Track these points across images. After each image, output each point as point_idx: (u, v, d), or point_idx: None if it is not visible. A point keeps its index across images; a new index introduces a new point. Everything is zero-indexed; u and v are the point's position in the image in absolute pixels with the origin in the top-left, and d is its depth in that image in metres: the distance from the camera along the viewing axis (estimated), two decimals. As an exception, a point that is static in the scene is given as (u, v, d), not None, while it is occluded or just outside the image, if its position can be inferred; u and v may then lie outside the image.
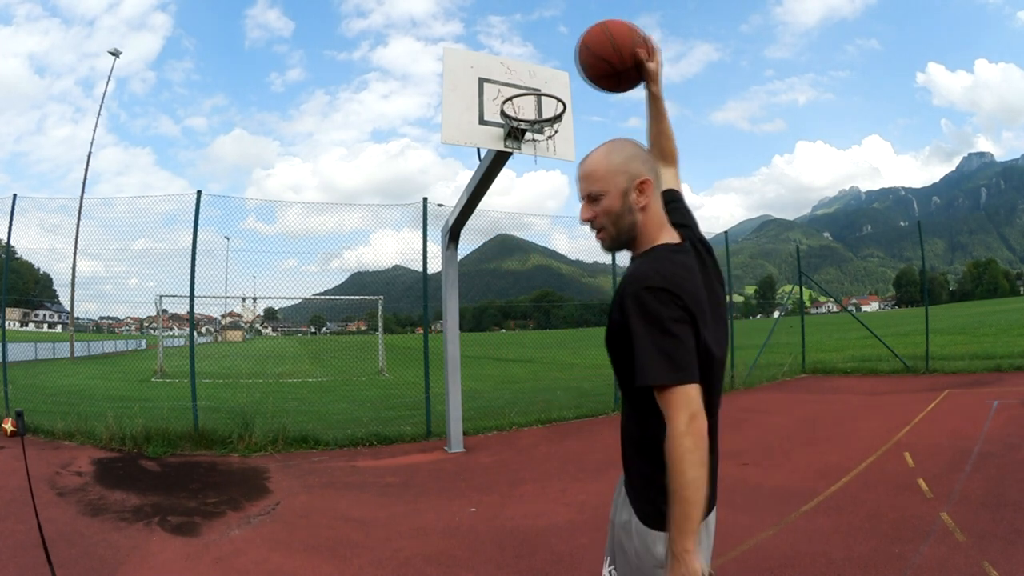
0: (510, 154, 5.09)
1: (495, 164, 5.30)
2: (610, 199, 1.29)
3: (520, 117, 4.93)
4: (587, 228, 1.36)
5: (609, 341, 1.30)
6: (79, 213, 13.79)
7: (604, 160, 1.31)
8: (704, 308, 1.21)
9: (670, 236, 1.32)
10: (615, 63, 1.55)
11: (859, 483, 4.28)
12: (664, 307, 1.15)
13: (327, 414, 7.99)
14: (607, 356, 1.32)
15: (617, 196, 1.29)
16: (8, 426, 6.19)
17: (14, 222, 7.43)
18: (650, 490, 1.22)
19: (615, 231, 1.31)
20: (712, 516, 1.30)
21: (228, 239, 13.14)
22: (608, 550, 1.39)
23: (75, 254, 16.02)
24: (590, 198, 1.31)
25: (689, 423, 1.11)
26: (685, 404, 1.12)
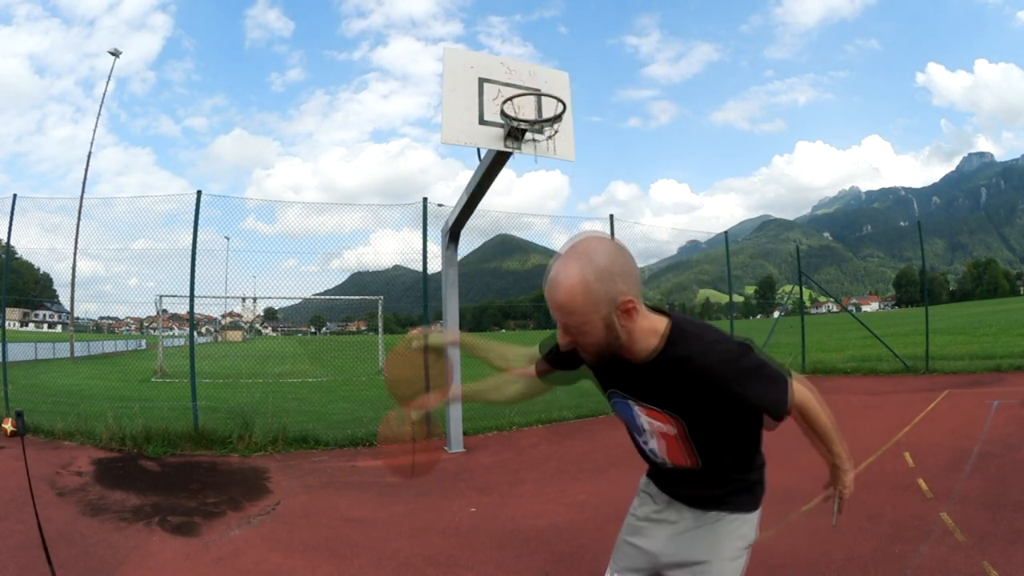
0: (510, 154, 5.09)
1: (495, 164, 5.30)
2: (592, 333, 1.19)
3: (520, 117, 4.93)
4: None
5: (720, 412, 1.29)
6: (79, 213, 13.79)
7: (581, 290, 1.15)
8: None
9: (656, 320, 1.28)
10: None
11: (859, 483, 4.23)
12: (749, 353, 1.24)
13: (327, 414, 7.99)
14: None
15: (599, 328, 1.18)
16: (8, 426, 6.19)
17: (14, 222, 7.45)
18: (753, 487, 1.45)
19: (599, 354, 1.26)
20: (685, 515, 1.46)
21: (228, 239, 13.16)
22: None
23: (75, 254, 16.04)
24: (567, 328, 1.22)
25: (801, 395, 1.30)
26: (797, 391, 1.28)
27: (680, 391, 1.25)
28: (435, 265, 6.90)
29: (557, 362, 1.49)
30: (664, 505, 1.51)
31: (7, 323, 7.99)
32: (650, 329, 1.25)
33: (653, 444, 1.42)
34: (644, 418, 1.37)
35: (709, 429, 1.31)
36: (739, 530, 1.42)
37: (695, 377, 1.21)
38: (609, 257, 1.17)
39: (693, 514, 1.45)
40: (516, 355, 1.64)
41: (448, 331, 1.64)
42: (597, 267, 1.15)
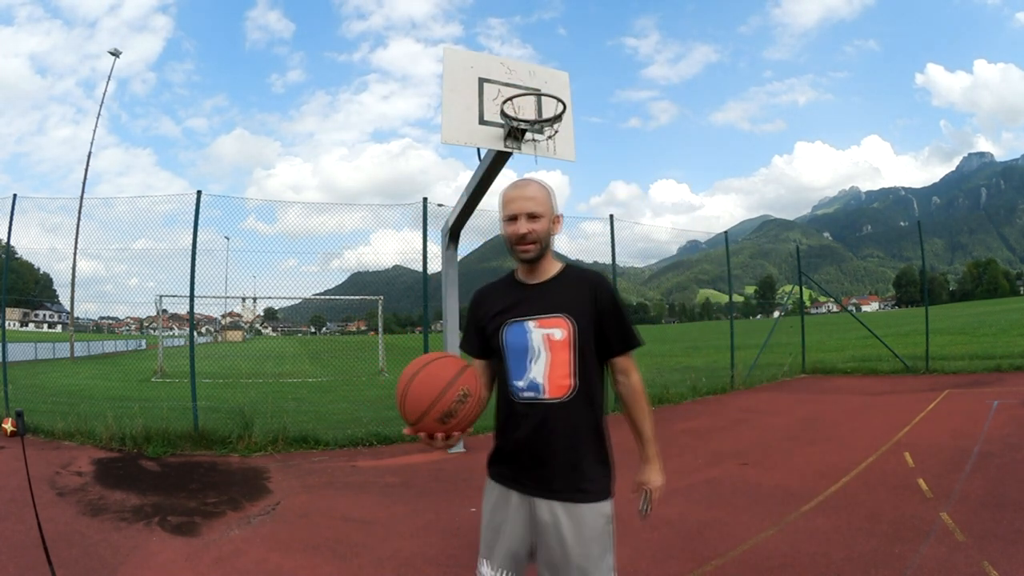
0: (510, 154, 5.08)
1: (495, 164, 5.29)
2: (545, 222, 1.68)
3: (520, 117, 4.93)
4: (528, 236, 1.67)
5: (596, 321, 1.65)
6: (79, 213, 13.80)
7: (544, 191, 1.71)
8: None
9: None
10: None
11: (859, 483, 4.28)
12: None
13: (327, 414, 7.98)
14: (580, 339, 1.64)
15: (547, 221, 1.69)
16: (8, 426, 6.19)
17: (14, 222, 7.45)
18: (601, 467, 1.66)
19: (541, 248, 1.68)
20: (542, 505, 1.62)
21: (228, 239, 13.15)
22: (503, 555, 1.65)
23: (75, 254, 16.03)
24: (531, 216, 1.66)
25: (640, 375, 1.74)
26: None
27: (574, 294, 1.66)
28: (435, 265, 6.89)
29: (484, 349, 1.75)
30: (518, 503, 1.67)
31: (7, 323, 7.98)
32: (555, 260, 1.74)
33: (535, 371, 1.62)
34: (536, 332, 1.63)
35: (587, 334, 1.63)
36: (601, 513, 1.61)
37: (588, 284, 1.68)
38: (552, 189, 1.74)
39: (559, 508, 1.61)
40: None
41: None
42: (548, 188, 1.72)
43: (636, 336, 1.70)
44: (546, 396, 1.61)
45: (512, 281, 1.77)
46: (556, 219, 1.73)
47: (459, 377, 1.53)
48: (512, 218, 1.66)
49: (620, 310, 1.69)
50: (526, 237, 1.64)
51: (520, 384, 1.64)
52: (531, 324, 1.64)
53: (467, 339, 1.82)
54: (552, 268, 1.72)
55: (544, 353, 1.62)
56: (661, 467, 1.71)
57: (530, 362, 1.63)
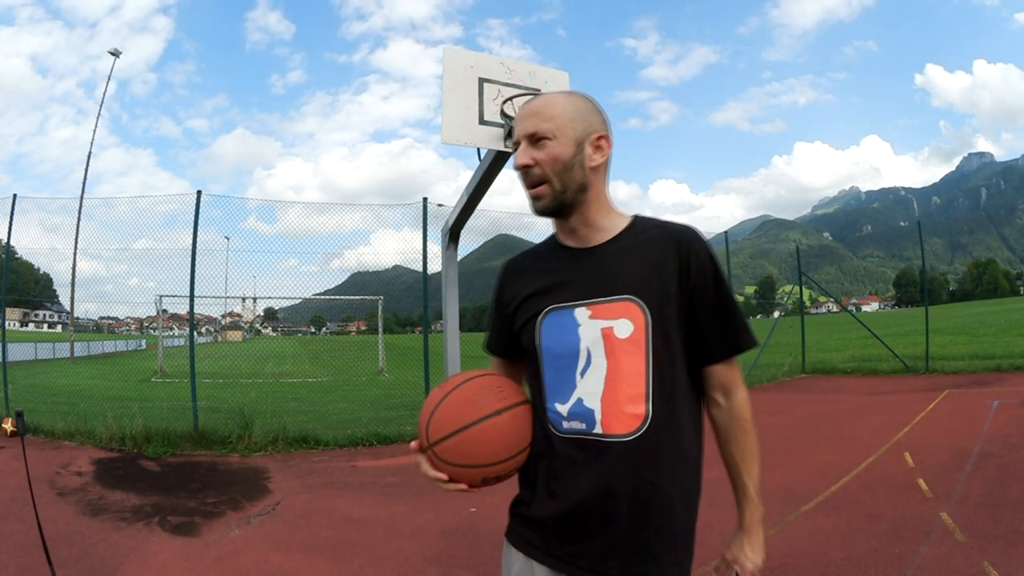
0: (510, 154, 5.08)
1: (495, 164, 5.29)
2: (561, 145, 1.06)
3: (520, 117, 4.93)
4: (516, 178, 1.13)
5: (686, 305, 1.07)
6: (79, 213, 13.80)
7: (563, 100, 1.09)
8: None
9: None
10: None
11: (859, 483, 4.28)
12: None
13: (327, 414, 7.98)
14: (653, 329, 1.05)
15: (569, 144, 1.06)
16: (8, 426, 6.19)
17: (15, 222, 7.46)
18: (683, 545, 1.08)
19: (560, 186, 1.07)
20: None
21: (228, 239, 13.16)
22: None
23: (75, 254, 16.03)
24: (533, 139, 1.07)
25: (746, 391, 1.15)
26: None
27: (650, 263, 1.06)
28: (435, 265, 6.90)
29: (509, 346, 1.23)
30: None
31: (7, 323, 7.99)
32: (616, 210, 1.14)
33: (587, 388, 1.05)
34: (590, 326, 1.06)
35: (672, 328, 1.05)
36: None
37: (674, 244, 1.07)
38: (595, 103, 1.12)
39: None
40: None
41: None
42: (582, 98, 1.11)
43: (748, 333, 1.10)
44: (601, 431, 1.03)
45: (553, 246, 1.17)
46: (596, 141, 1.08)
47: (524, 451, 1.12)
48: (516, 146, 1.11)
49: (724, 289, 1.08)
50: (528, 174, 1.08)
51: (561, 409, 1.07)
52: (582, 313, 1.07)
53: (491, 336, 1.26)
54: (612, 222, 1.11)
55: (601, 360, 1.04)
56: (762, 538, 1.10)
57: (579, 374, 1.06)
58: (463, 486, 1.10)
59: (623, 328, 1.04)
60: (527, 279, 1.17)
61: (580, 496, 1.04)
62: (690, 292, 1.06)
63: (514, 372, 1.26)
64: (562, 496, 1.06)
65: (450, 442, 1.09)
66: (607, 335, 1.04)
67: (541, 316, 1.11)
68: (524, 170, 1.09)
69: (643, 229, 1.11)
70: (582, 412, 1.05)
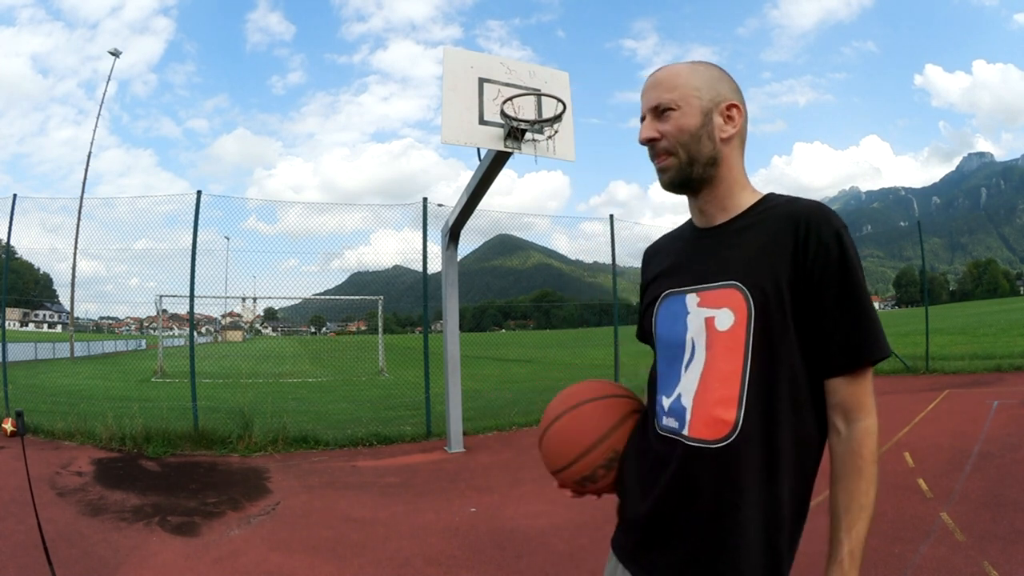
0: (510, 154, 5.08)
1: (495, 164, 5.30)
2: (686, 116, 0.98)
3: (520, 117, 4.93)
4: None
5: (800, 296, 0.90)
6: (79, 213, 13.81)
7: (687, 69, 1.01)
8: None
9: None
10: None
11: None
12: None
13: (327, 414, 7.98)
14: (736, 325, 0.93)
15: (695, 114, 0.98)
16: (8, 426, 6.19)
17: (15, 222, 7.47)
18: (776, 556, 0.93)
19: (687, 157, 0.99)
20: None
21: (228, 239, 13.17)
22: None
23: (75, 254, 16.03)
24: (657, 111, 1.00)
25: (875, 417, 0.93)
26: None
27: (762, 244, 0.94)
28: (435, 265, 6.91)
29: (646, 332, 1.13)
30: None
31: (7, 323, 7.99)
32: (748, 185, 1.03)
33: (685, 384, 0.97)
34: (696, 316, 0.97)
35: (779, 321, 0.90)
36: None
37: (791, 224, 0.92)
38: (718, 68, 1.04)
39: None
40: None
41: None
42: (709, 66, 1.03)
43: (880, 339, 0.90)
44: (688, 434, 0.94)
45: (688, 227, 1.11)
46: (725, 109, 1.00)
47: (616, 431, 1.07)
48: (642, 120, 1.04)
49: (854, 280, 0.89)
50: (655, 147, 1.01)
51: (664, 403, 1.00)
52: (691, 299, 0.99)
53: (639, 321, 1.17)
54: (741, 200, 1.02)
55: (702, 354, 0.95)
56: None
57: (683, 367, 0.98)
58: (568, 492, 1.16)
59: (724, 319, 0.93)
60: (659, 261, 1.12)
61: (665, 499, 0.96)
62: (806, 280, 0.90)
63: None
64: (649, 498, 0.99)
65: (543, 457, 1.19)
66: (709, 325, 0.94)
67: (659, 301, 1.05)
68: (650, 143, 1.01)
69: (769, 207, 0.99)
70: (677, 409, 0.97)
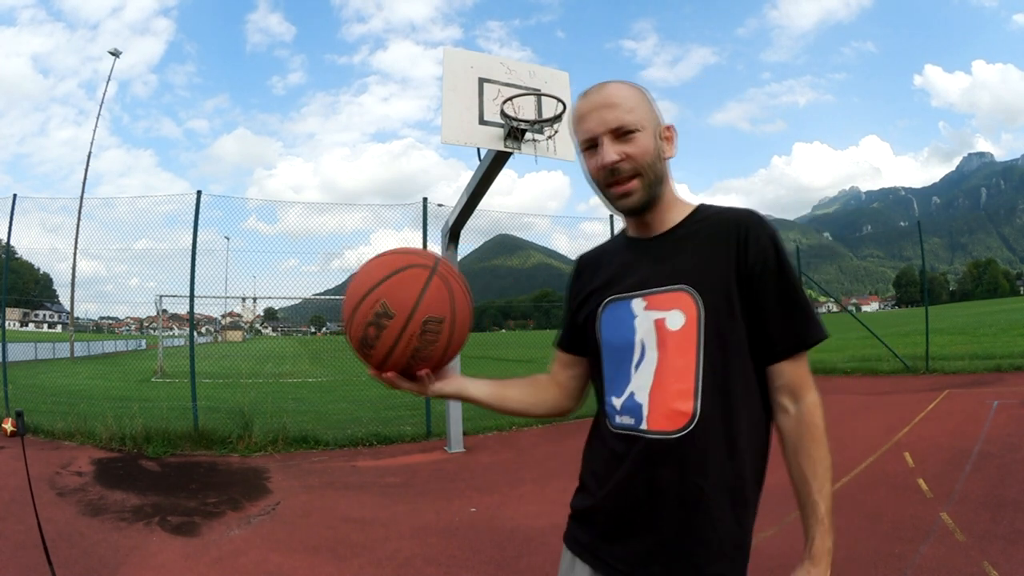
0: (510, 154, 5.09)
1: (495, 164, 5.30)
2: (648, 137, 1.01)
3: (520, 117, 4.93)
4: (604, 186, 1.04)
5: (744, 294, 0.99)
6: (79, 213, 13.81)
7: (634, 91, 1.03)
8: None
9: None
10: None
11: (859, 483, 4.28)
12: None
13: (327, 414, 7.99)
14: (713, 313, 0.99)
15: (652, 135, 1.02)
16: (8, 426, 6.19)
17: (15, 222, 7.48)
18: (732, 559, 1.00)
19: (653, 178, 1.02)
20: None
21: (228, 239, 13.16)
22: None
23: (75, 254, 16.03)
24: (619, 133, 1.00)
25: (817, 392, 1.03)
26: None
27: (707, 250, 1.01)
28: (435, 265, 6.89)
29: (573, 341, 1.20)
30: None
31: (7, 323, 7.99)
32: (678, 197, 1.11)
33: (638, 383, 1.02)
34: (644, 317, 1.02)
35: (727, 318, 0.99)
36: None
37: (732, 229, 1.01)
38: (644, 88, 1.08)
39: None
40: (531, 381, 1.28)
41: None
42: (638, 86, 1.07)
43: (816, 324, 1.01)
44: (647, 427, 0.99)
45: (622, 238, 1.16)
46: (665, 132, 1.06)
47: (385, 281, 0.97)
48: (591, 144, 1.03)
49: (788, 275, 1.00)
50: (619, 169, 1.01)
51: (616, 403, 1.05)
52: (638, 304, 1.04)
53: (561, 331, 1.23)
54: (677, 212, 1.08)
55: (653, 353, 1.01)
56: (829, 562, 1.00)
57: (633, 367, 1.03)
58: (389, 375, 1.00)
59: (675, 319, 0.99)
60: (594, 272, 1.15)
61: (625, 494, 1.01)
62: (748, 278, 0.99)
63: (576, 370, 1.21)
64: (608, 493, 1.04)
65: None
66: (659, 326, 1.00)
67: (601, 308, 1.09)
68: (614, 166, 1.01)
69: (705, 216, 1.07)
70: (632, 407, 1.02)
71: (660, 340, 1.00)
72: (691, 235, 1.05)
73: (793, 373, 1.00)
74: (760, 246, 0.99)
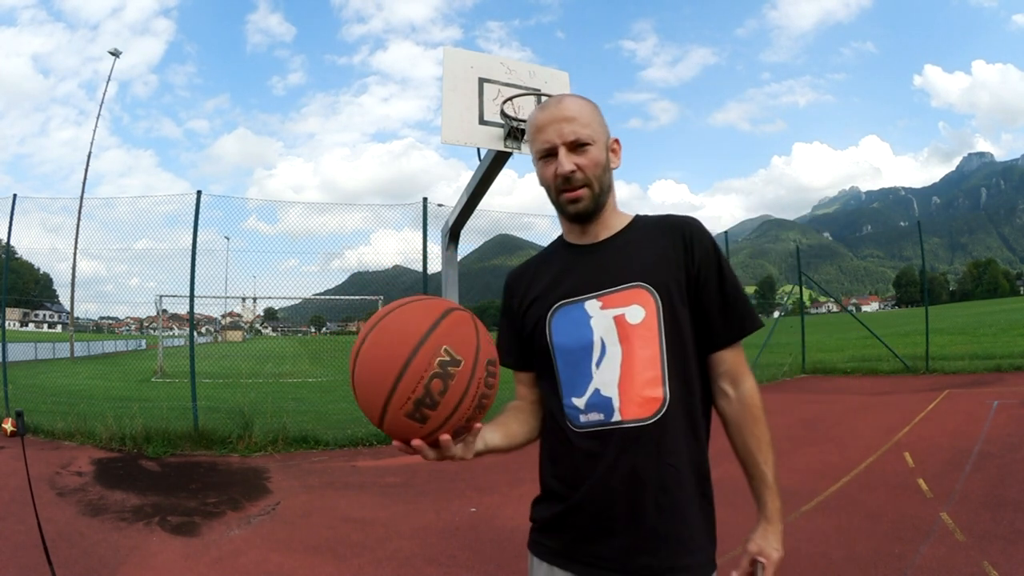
0: (510, 154, 5.09)
1: (495, 164, 5.30)
2: (599, 150, 1.10)
3: (520, 117, 4.93)
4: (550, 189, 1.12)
5: (693, 290, 1.09)
6: (79, 214, 13.80)
7: (588, 105, 1.12)
8: None
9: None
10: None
11: (859, 483, 4.28)
12: None
13: (327, 414, 7.98)
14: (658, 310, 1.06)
15: (603, 148, 1.11)
16: (8, 426, 6.19)
17: (15, 222, 7.48)
18: (706, 528, 1.09)
19: (599, 188, 1.10)
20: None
21: (228, 239, 13.15)
22: None
23: (75, 254, 16.02)
24: (574, 145, 1.07)
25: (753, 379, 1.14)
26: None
27: (657, 250, 1.10)
28: (435, 265, 6.88)
29: (524, 356, 1.20)
30: None
31: (7, 323, 7.99)
32: (619, 210, 1.20)
33: (603, 378, 1.05)
34: (601, 316, 1.06)
35: (682, 312, 1.07)
36: None
37: (678, 232, 1.11)
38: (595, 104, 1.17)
39: None
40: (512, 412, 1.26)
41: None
42: (590, 101, 1.15)
43: (752, 315, 1.11)
44: (620, 418, 1.03)
45: (560, 246, 1.20)
46: (613, 145, 1.15)
47: (438, 326, 0.86)
48: (547, 153, 1.09)
49: (728, 273, 1.10)
50: (573, 179, 1.07)
51: (578, 403, 1.07)
52: (592, 305, 1.08)
53: (501, 347, 1.14)
54: (618, 220, 1.16)
55: (616, 348, 1.05)
56: (782, 529, 1.09)
57: (594, 365, 1.06)
58: (420, 442, 0.92)
59: (635, 314, 1.05)
60: (532, 282, 1.19)
61: (604, 490, 1.04)
62: (695, 277, 1.09)
63: (529, 382, 1.23)
64: (584, 493, 1.05)
65: (357, 397, 0.90)
66: (620, 322, 1.06)
67: (550, 314, 1.12)
68: (568, 175, 1.08)
69: (646, 223, 1.16)
70: (599, 402, 1.05)
71: (622, 335, 1.05)
72: (636, 240, 1.13)
73: (733, 360, 1.10)
74: (704, 248, 1.10)
